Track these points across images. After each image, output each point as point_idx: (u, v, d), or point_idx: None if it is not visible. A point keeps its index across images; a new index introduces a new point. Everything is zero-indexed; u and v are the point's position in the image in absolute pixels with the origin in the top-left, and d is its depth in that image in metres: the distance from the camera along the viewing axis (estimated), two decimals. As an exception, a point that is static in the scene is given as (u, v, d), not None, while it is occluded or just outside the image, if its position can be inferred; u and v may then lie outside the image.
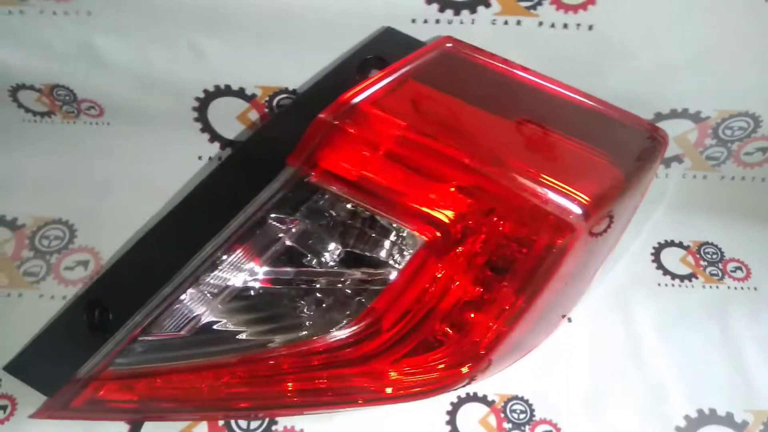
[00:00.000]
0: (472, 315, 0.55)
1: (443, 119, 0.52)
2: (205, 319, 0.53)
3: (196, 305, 0.52)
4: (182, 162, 0.78)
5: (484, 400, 0.63)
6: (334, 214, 0.52)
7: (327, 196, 0.51)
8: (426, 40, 0.65)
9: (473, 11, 0.65)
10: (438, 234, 0.53)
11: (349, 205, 0.52)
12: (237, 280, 0.52)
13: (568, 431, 0.61)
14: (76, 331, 0.57)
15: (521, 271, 0.53)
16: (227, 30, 0.68)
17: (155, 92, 0.74)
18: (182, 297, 0.52)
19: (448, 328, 0.55)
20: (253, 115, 0.76)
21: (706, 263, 0.73)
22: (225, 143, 0.79)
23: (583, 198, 0.51)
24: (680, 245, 0.74)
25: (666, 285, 0.71)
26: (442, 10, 0.65)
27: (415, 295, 0.55)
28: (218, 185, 0.54)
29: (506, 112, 0.55)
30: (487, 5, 0.64)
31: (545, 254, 0.52)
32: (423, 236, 0.53)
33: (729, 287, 0.71)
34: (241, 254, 0.51)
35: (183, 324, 0.52)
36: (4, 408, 0.61)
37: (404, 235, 0.54)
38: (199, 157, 0.79)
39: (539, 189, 0.51)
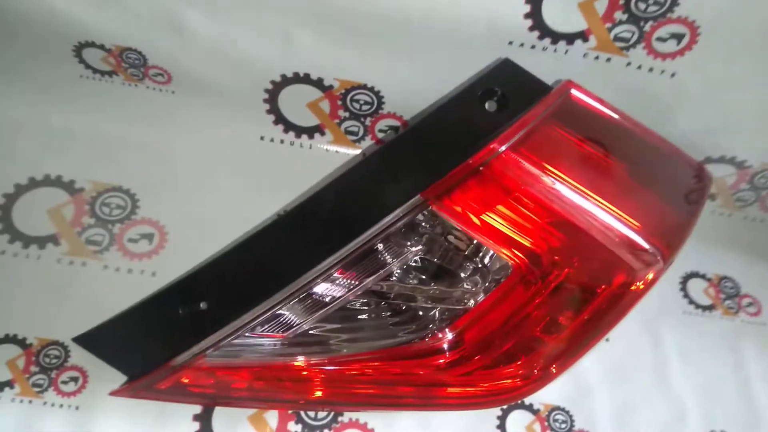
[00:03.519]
0: (546, 339, 0.60)
1: (568, 164, 0.55)
2: (303, 328, 0.55)
3: (299, 315, 0.54)
4: (244, 140, 0.78)
5: (530, 408, 0.69)
6: (443, 240, 0.55)
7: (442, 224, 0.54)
8: (552, 83, 0.68)
9: (570, 43, 0.67)
10: (528, 263, 0.57)
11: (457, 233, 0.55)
12: (341, 295, 0.54)
13: (602, 442, 0.68)
14: (166, 316, 0.57)
15: (594, 309, 0.59)
16: (321, 22, 0.67)
17: (231, 69, 0.72)
18: (287, 307, 0.53)
19: (522, 350, 0.60)
20: (325, 105, 0.76)
21: (724, 296, 0.80)
22: (289, 127, 0.78)
23: (659, 243, 0.56)
24: (704, 277, 0.81)
25: (690, 314, 0.78)
26: (541, 37, 0.66)
27: (499, 317, 0.59)
28: (336, 203, 0.55)
29: (612, 158, 0.59)
30: (585, 39, 0.66)
31: (619, 297, 0.58)
32: (514, 261, 0.57)
33: (743, 321, 0.79)
34: (350, 276, 0.53)
35: (283, 330, 0.54)
36: (75, 380, 0.62)
37: (499, 262, 0.57)
38: (261, 138, 0.79)
39: (626, 233, 0.56)
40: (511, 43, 0.67)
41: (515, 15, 0.64)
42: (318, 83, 0.73)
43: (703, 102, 0.71)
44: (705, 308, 0.79)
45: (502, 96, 0.57)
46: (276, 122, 0.78)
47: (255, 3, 0.66)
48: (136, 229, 0.71)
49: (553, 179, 0.52)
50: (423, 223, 0.54)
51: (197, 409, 0.62)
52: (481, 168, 0.49)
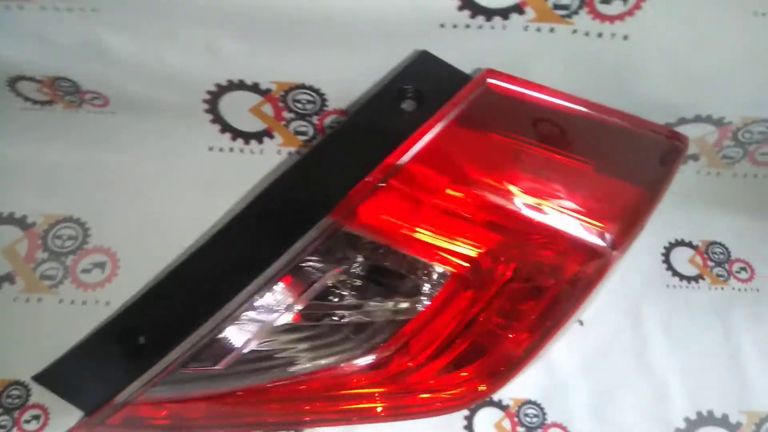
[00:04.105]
0: (500, 339, 0.57)
1: (484, 163, 0.51)
2: (243, 352, 0.54)
3: (236, 340, 0.53)
4: (192, 153, 0.76)
5: (499, 405, 0.66)
6: (367, 257, 0.52)
7: (362, 242, 0.51)
8: (470, 72, 0.62)
9: (506, 18, 0.62)
10: (467, 267, 0.54)
11: (381, 250, 0.52)
12: (276, 316, 0.52)
13: (577, 434, 0.65)
14: (109, 352, 0.57)
15: (548, 301, 0.56)
16: (243, 27, 0.63)
17: (164, 85, 0.70)
18: (222, 333, 0.52)
19: (472, 352, 0.58)
20: (267, 109, 0.73)
21: (713, 264, 0.75)
22: (237, 134, 0.76)
23: (609, 228, 0.53)
24: (689, 245, 0.76)
25: (674, 287, 0.74)
26: (473, 16, 0.61)
27: (443, 323, 0.56)
28: (255, 221, 0.53)
29: (543, 145, 0.54)
30: (521, 12, 0.61)
31: (572, 286, 0.55)
32: (452, 269, 0.54)
33: (734, 288, 0.74)
34: (280, 293, 0.51)
35: (222, 357, 0.53)
36: (37, 418, 0.63)
37: (435, 270, 0.55)
38: (210, 148, 0.77)
39: (567, 224, 0.53)
40: (443, 25, 0.62)
41: (439, -6, 0.60)
42: (255, 88, 0.70)
43: (664, 62, 0.65)
44: (691, 279, 0.74)
45: (419, 93, 0.53)
46: (222, 131, 0.76)
47: (171, 18, 0.63)
48: (88, 258, 0.70)
49: (469, 181, 0.49)
50: (343, 242, 0.52)
51: (161, 436, 0.62)
52: (381, 185, 0.46)
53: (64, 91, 0.71)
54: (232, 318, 0.52)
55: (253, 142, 0.77)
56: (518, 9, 0.61)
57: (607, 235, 0.54)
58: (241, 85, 0.70)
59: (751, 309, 0.73)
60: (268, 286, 0.51)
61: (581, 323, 0.71)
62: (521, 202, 0.53)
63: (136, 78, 0.70)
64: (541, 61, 0.66)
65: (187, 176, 0.76)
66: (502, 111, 0.52)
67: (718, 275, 0.74)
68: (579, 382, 0.68)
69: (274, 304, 0.52)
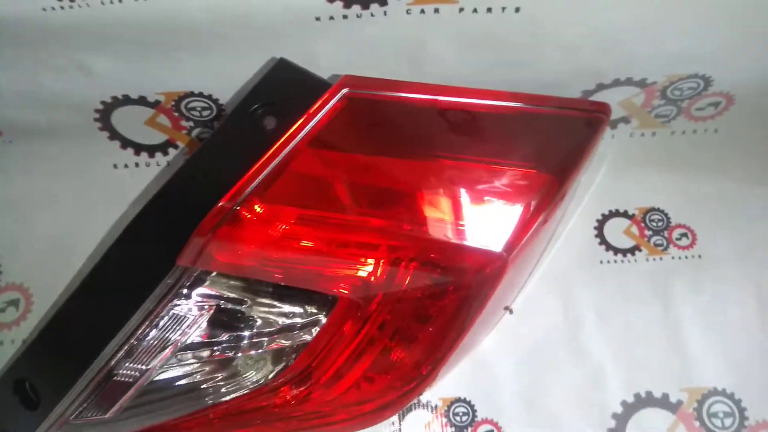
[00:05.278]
0: (396, 361, 0.55)
1: (346, 184, 0.47)
2: (131, 397, 0.52)
3: (121, 387, 0.51)
4: (97, 172, 0.73)
5: (427, 406, 0.64)
6: (237, 296, 0.50)
7: (228, 283, 0.48)
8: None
9: (383, 3, 0.56)
10: (351, 290, 0.51)
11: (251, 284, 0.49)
12: (160, 360, 0.50)
13: (507, 429, 0.63)
14: (9, 401, 0.56)
15: (446, 314, 0.53)
16: (114, 45, 0.60)
17: (52, 109, 0.68)
18: (105, 381, 0.51)
19: (374, 373, 0.55)
20: (164, 120, 0.69)
21: (651, 232, 0.71)
22: (139, 148, 0.73)
23: (498, 233, 0.50)
24: (625, 214, 0.72)
25: (609, 262, 0.70)
26: (347, 5, 0.56)
27: (342, 345, 0.54)
28: (124, 260, 0.50)
29: (420, 151, 0.50)
30: (398, -4, 0.56)
31: (466, 297, 0.52)
32: (339, 293, 0.51)
33: (673, 257, 0.70)
34: (152, 342, 0.49)
35: (110, 405, 0.52)
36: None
37: (320, 297, 0.52)
38: (114, 166, 0.74)
39: (451, 235, 0.50)
40: (318, 18, 0.57)
41: (304, -12, 0.54)
42: (143, 101, 0.67)
43: (567, 30, 0.59)
44: (626, 252, 0.70)
45: (277, 109, 0.49)
46: (123, 146, 0.73)
47: (40, 45, 0.60)
48: (2, 297, 0.69)
49: (332, 201, 0.45)
50: (205, 284, 0.48)
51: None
52: (210, 236, 0.42)
53: (-49, 127, 0.69)
54: (115, 364, 0.50)
55: (158, 155, 0.73)
56: (393, -7, 0.55)
57: (499, 238, 0.50)
58: (127, 100, 0.66)
59: (692, 277, 0.68)
60: (139, 334, 0.48)
61: (511, 312, 0.67)
62: (403, 216, 0.49)
63: (22, 106, 0.67)
64: (436, 45, 0.60)
65: (95, 197, 0.73)
66: (366, 120, 0.48)
67: (656, 244, 0.70)
68: (509, 375, 0.65)
69: (155, 346, 0.50)
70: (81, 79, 0.63)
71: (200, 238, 0.43)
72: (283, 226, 0.45)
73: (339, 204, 0.47)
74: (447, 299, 0.52)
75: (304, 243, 0.47)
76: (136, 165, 0.74)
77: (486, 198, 0.52)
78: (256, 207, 0.43)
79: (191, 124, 0.70)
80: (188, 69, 0.63)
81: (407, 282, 0.51)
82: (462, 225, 0.50)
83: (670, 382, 0.65)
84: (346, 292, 0.51)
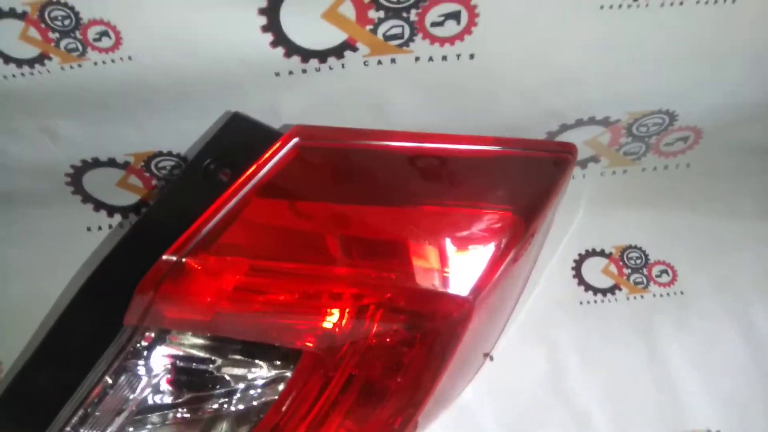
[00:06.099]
0: (371, 411, 0.53)
1: (304, 233, 0.47)
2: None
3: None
4: (70, 236, 0.73)
5: (408, 462, 0.62)
6: (201, 354, 0.49)
7: (191, 341, 0.48)
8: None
9: (340, 56, 0.57)
10: (314, 343, 0.50)
11: (215, 341, 0.48)
12: (114, 427, 0.49)
13: (491, 483, 0.61)
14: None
15: (416, 363, 0.51)
16: (78, 109, 0.61)
17: (22, 176, 0.68)
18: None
19: (345, 429, 0.53)
20: (135, 181, 0.70)
21: (629, 270, 0.69)
22: (112, 210, 0.73)
23: (465, 277, 0.48)
24: (602, 253, 0.70)
25: (589, 302, 0.68)
26: (304, 60, 0.57)
27: (308, 404, 0.52)
28: (75, 324, 0.49)
29: (380, 198, 0.50)
30: (354, 49, 0.57)
31: (434, 345, 0.50)
32: (302, 348, 0.50)
33: (654, 295, 0.68)
34: (108, 406, 0.47)
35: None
36: None
37: (282, 350, 0.50)
38: (88, 229, 0.74)
39: (418, 281, 0.49)
40: (278, 74, 0.58)
41: (260, 47, 0.56)
42: (113, 163, 0.67)
43: (523, 73, 0.60)
44: (606, 291, 0.68)
45: (232, 162, 0.49)
46: (96, 209, 0.73)
47: (3, 113, 0.61)
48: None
49: (278, 260, 0.45)
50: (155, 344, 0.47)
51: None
52: (158, 287, 0.42)
53: None
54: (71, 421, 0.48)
55: (132, 215, 0.74)
56: (348, 46, 0.56)
57: (466, 282, 0.49)
58: (96, 163, 0.67)
59: (676, 315, 0.67)
60: (91, 399, 0.47)
61: (492, 359, 0.66)
62: (366, 263, 0.48)
63: (-12, 174, 0.67)
64: (396, 94, 0.61)
65: (69, 261, 0.72)
66: (320, 169, 0.48)
67: (636, 282, 0.69)
68: (493, 425, 0.63)
69: (111, 410, 0.48)
70: (49, 144, 0.64)
71: (143, 295, 0.42)
72: (236, 278, 0.44)
73: (297, 253, 0.46)
74: (416, 347, 0.51)
75: (261, 295, 0.46)
76: (110, 227, 0.74)
77: (452, 241, 0.51)
78: (203, 258, 0.43)
79: (163, 183, 0.71)
80: (154, 129, 0.64)
81: (374, 331, 0.50)
82: (428, 270, 0.49)
83: (662, 427, 0.62)
84: (310, 345, 0.50)
